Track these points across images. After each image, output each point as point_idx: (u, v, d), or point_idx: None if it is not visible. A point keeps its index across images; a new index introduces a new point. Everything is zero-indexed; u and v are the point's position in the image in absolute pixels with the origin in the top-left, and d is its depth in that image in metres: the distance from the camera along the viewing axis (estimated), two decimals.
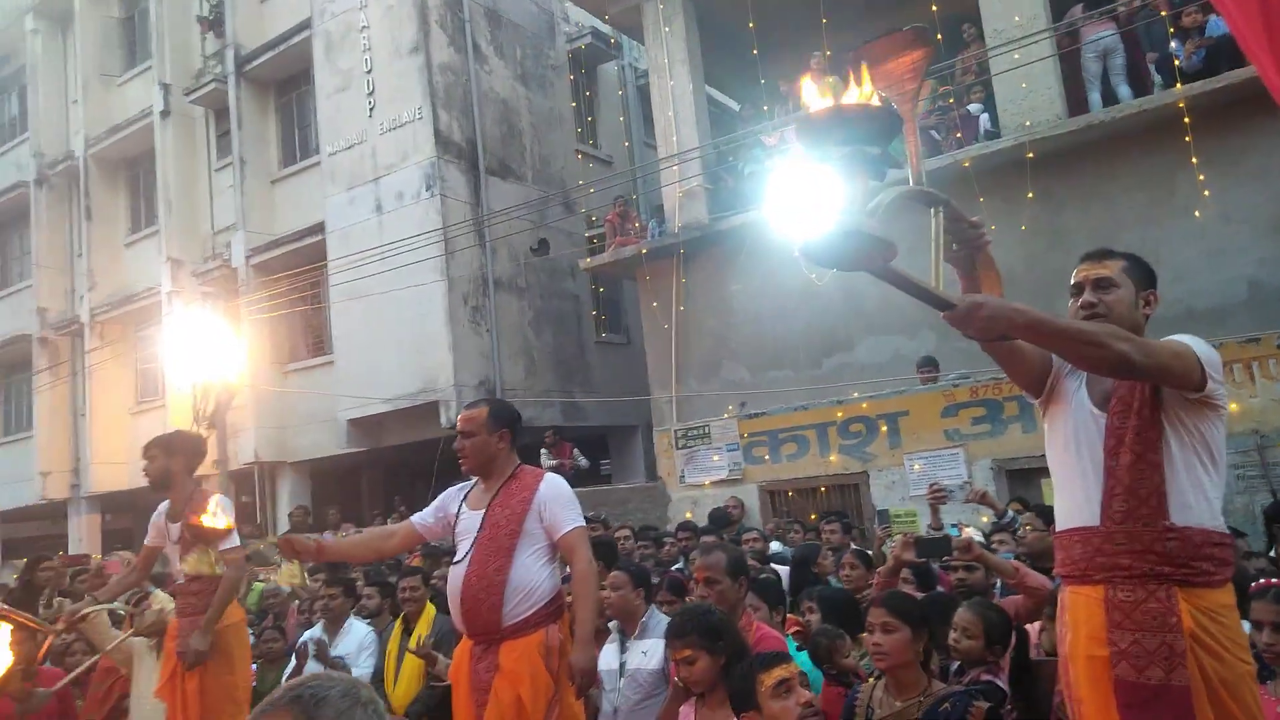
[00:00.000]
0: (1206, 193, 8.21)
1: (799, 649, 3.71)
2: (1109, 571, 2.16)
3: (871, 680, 2.97)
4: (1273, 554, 4.50)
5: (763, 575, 4.83)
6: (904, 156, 2.12)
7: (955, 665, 3.26)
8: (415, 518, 3.63)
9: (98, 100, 17.99)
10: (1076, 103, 9.11)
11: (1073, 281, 2.38)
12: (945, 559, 3.96)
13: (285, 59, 15.04)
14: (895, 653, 2.82)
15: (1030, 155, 8.91)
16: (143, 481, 4.60)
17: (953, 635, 3.20)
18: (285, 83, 15.67)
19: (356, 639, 5.45)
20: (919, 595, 3.82)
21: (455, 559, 3.39)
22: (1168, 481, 2.13)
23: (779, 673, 2.48)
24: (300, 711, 1.51)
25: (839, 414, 9.56)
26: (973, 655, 3.15)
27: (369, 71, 13.59)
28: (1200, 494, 2.15)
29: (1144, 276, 2.37)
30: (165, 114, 16.30)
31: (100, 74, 18.09)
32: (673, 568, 5.97)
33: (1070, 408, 2.32)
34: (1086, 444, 2.26)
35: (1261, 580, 2.99)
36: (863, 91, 1.58)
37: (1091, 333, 2.04)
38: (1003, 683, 3.04)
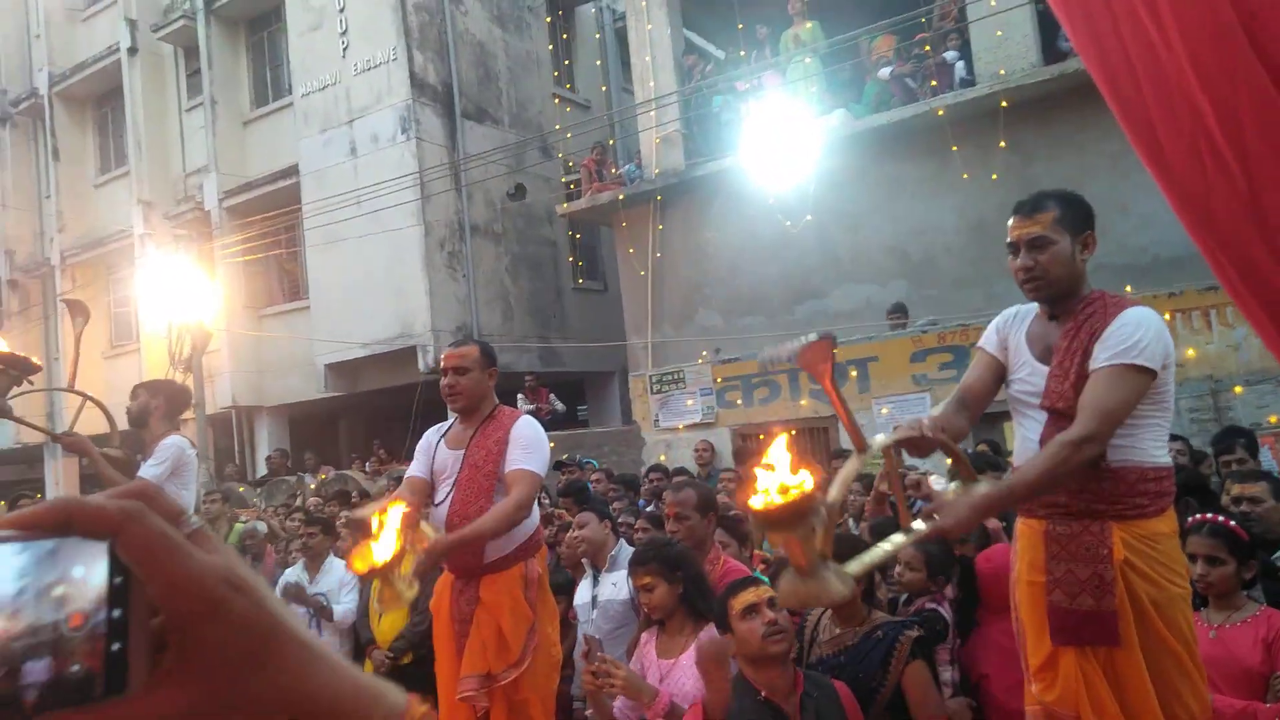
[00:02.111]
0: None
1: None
2: (1050, 508, 2.31)
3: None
4: (1218, 476, 4.71)
5: (733, 513, 5.02)
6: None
7: (904, 597, 3.45)
8: (410, 471, 3.55)
9: (62, 36, 17.50)
10: (1053, 51, 9.14)
11: (1008, 239, 2.38)
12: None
13: None
14: None
15: (1004, 104, 8.96)
16: (119, 425, 4.65)
17: (897, 569, 3.40)
18: (256, 20, 15.32)
19: (337, 576, 5.56)
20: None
21: (436, 500, 3.44)
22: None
23: (747, 597, 2.64)
24: None
25: None
26: (915, 587, 3.35)
27: (342, 10, 13.33)
28: (1138, 435, 2.26)
29: (1079, 219, 2.34)
30: (133, 51, 15.90)
31: (64, 7, 17.58)
32: (646, 509, 6.16)
33: (1020, 363, 2.45)
34: (1030, 392, 2.39)
35: (1197, 515, 3.16)
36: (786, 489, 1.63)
37: (1056, 469, 2.15)
38: (946, 611, 3.23)
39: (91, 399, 4.55)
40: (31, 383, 4.28)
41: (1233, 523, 3.00)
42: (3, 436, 17.44)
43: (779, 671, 2.60)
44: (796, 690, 2.60)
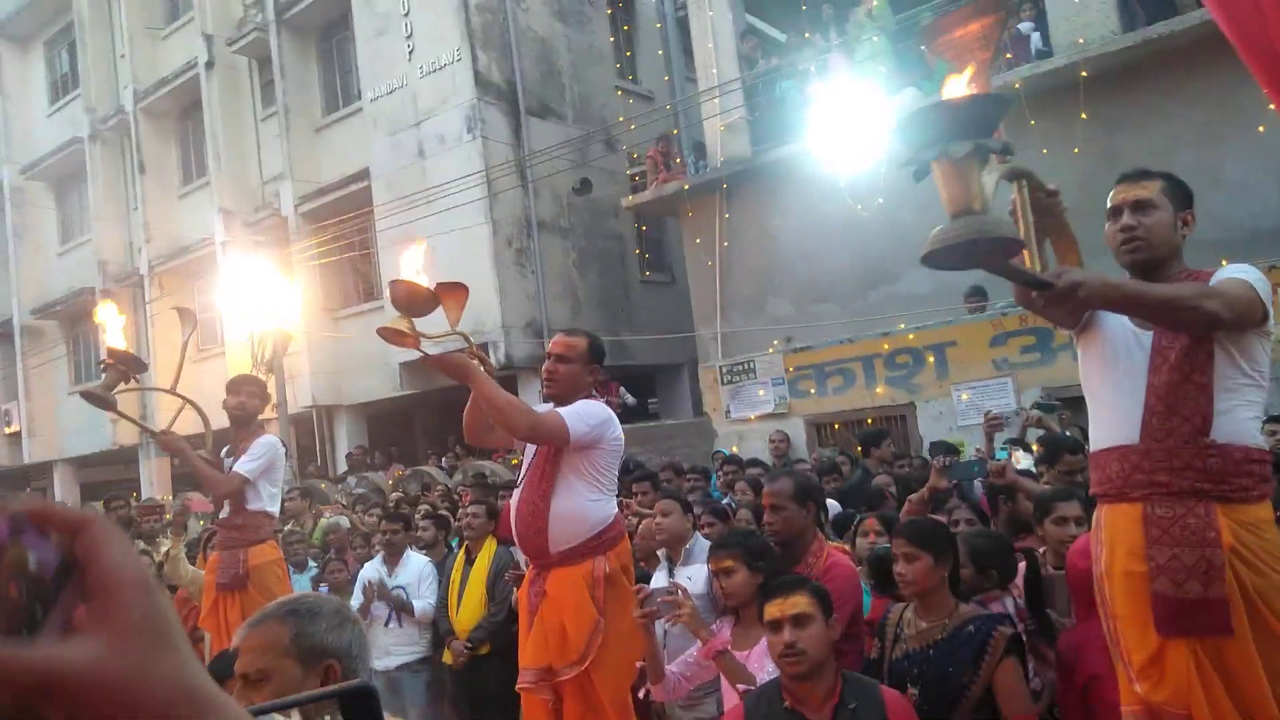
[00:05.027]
0: (1273, 106, 7.87)
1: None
2: (1147, 489, 2.17)
3: (901, 604, 2.99)
4: None
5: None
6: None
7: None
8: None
9: (144, 54, 18.17)
10: (1132, 18, 8.74)
11: (1110, 204, 2.35)
12: (975, 479, 4.01)
13: (324, 4, 15.00)
14: (919, 580, 2.82)
15: (1084, 74, 8.60)
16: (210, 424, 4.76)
17: None
18: (326, 29, 15.67)
19: (416, 570, 5.65)
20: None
21: (518, 480, 3.48)
22: (1214, 400, 2.14)
23: (771, 609, 2.59)
24: (296, 622, 1.72)
25: (885, 346, 9.50)
26: (968, 583, 3.13)
27: (406, 14, 13.53)
28: (1242, 412, 2.16)
29: (1182, 197, 2.34)
30: (210, 65, 16.44)
31: (145, 27, 18.25)
32: (723, 501, 6.08)
33: (1107, 329, 2.33)
34: (1126, 362, 2.27)
35: None
36: (963, 80, 1.53)
37: (1185, 298, 2.10)
38: (998, 609, 3.03)
39: (191, 403, 4.68)
40: (139, 380, 4.44)
41: None
42: (101, 438, 18.25)
43: (810, 684, 2.48)
44: (831, 700, 2.47)
